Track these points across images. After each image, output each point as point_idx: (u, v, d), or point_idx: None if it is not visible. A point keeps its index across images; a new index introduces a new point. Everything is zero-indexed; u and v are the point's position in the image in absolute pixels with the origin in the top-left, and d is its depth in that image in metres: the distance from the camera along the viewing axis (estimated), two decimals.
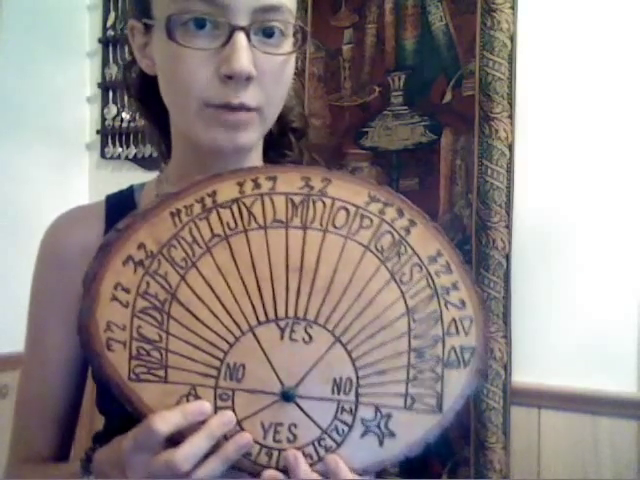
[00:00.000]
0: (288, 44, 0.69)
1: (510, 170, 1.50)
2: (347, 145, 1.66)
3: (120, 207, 0.79)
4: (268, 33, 0.68)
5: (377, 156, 1.64)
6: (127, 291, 0.57)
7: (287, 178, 0.60)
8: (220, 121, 0.67)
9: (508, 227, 1.49)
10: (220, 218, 0.59)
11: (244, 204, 0.59)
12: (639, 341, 1.41)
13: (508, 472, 1.48)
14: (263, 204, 0.59)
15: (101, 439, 0.80)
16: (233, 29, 0.65)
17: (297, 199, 0.60)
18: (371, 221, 0.61)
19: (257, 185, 0.60)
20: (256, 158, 0.77)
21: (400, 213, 0.62)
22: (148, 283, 0.58)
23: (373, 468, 0.60)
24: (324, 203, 0.60)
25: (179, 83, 0.68)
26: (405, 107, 1.61)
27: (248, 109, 0.67)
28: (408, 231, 0.62)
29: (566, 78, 1.48)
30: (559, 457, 1.45)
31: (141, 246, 0.58)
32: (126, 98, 1.97)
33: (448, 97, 1.56)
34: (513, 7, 1.49)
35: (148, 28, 0.71)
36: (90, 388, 0.78)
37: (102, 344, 0.57)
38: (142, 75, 0.75)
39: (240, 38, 0.65)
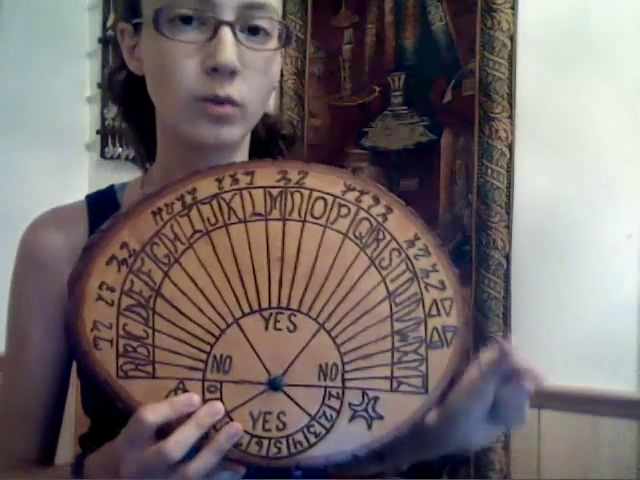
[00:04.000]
0: (273, 43, 0.71)
1: (510, 170, 1.50)
2: (347, 145, 1.66)
3: (103, 207, 0.79)
4: (254, 31, 0.69)
5: (377, 156, 1.64)
6: (112, 290, 0.58)
7: (264, 172, 0.62)
8: (205, 114, 0.68)
9: (508, 227, 1.49)
10: (200, 214, 0.60)
11: (223, 199, 0.60)
12: (639, 341, 1.41)
13: (508, 472, 1.48)
14: (242, 198, 0.61)
15: (87, 441, 0.80)
16: (219, 23, 0.66)
17: (275, 192, 0.61)
18: (348, 209, 0.62)
19: (235, 180, 0.61)
20: (241, 159, 0.76)
21: (376, 200, 0.63)
22: (132, 281, 0.59)
23: (363, 451, 0.61)
24: (302, 194, 0.62)
25: (166, 77, 0.69)
26: (405, 107, 1.61)
27: (234, 103, 0.68)
28: (385, 217, 0.63)
29: (566, 78, 1.48)
30: (559, 457, 1.45)
31: (124, 245, 0.59)
32: None
33: (448, 97, 1.56)
34: (513, 7, 1.49)
35: (137, 29, 0.72)
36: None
37: (89, 343, 0.57)
38: (127, 79, 0.76)
39: (226, 32, 0.66)
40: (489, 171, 1.51)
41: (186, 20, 0.67)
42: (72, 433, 0.83)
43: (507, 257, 1.49)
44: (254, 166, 0.62)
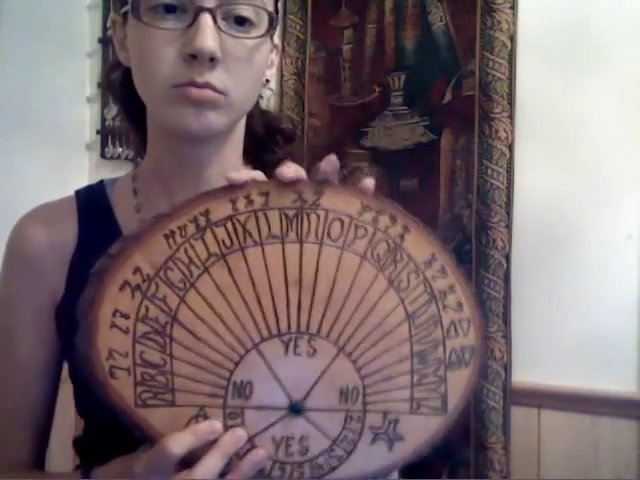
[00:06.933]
0: (259, 32, 0.69)
1: (510, 170, 1.50)
2: (347, 145, 1.66)
3: (93, 203, 0.78)
4: (239, 21, 0.67)
5: (377, 156, 1.64)
6: (126, 317, 0.57)
7: (279, 192, 0.60)
8: (185, 99, 0.66)
9: (508, 227, 1.49)
10: (215, 237, 0.58)
11: (238, 221, 0.59)
12: (639, 341, 1.41)
13: (508, 472, 1.48)
14: (257, 220, 0.59)
15: (82, 444, 0.80)
16: (199, 10, 0.65)
17: (291, 213, 0.60)
18: (365, 230, 0.61)
19: (250, 201, 0.59)
20: (233, 155, 0.75)
21: (393, 220, 0.62)
22: (147, 307, 0.57)
23: (384, 473, 0.61)
24: (318, 216, 0.60)
25: (146, 65, 0.68)
26: (405, 107, 1.61)
27: (214, 90, 0.66)
28: (402, 238, 0.62)
29: (566, 78, 1.48)
30: (559, 457, 1.45)
31: (137, 270, 0.57)
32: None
33: (448, 97, 1.56)
34: (513, 7, 1.49)
35: (125, 19, 0.71)
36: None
37: (105, 372, 0.56)
38: (125, 76, 0.75)
39: (205, 18, 0.65)
40: (489, 171, 1.51)
41: (169, 9, 0.66)
42: (70, 437, 0.83)
43: (507, 257, 1.49)
44: (269, 186, 0.60)
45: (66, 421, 0.87)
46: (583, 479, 1.41)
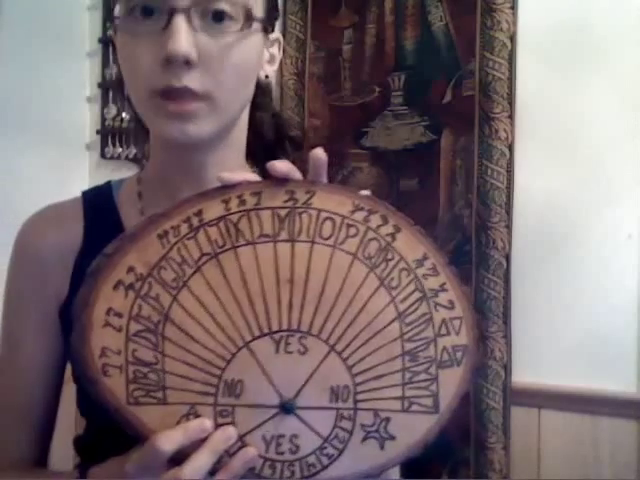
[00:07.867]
0: (238, 26, 0.66)
1: (510, 170, 1.50)
2: (347, 145, 1.66)
3: (99, 204, 0.78)
4: (218, 18, 0.65)
5: (377, 156, 1.64)
6: (120, 316, 0.57)
7: (271, 193, 0.60)
8: (166, 112, 0.65)
9: (508, 227, 1.49)
10: (208, 236, 0.59)
11: (231, 221, 0.59)
12: (639, 341, 1.41)
13: (508, 472, 1.48)
14: (250, 220, 0.59)
15: (83, 443, 0.80)
16: (172, 11, 0.63)
17: (283, 213, 0.60)
18: (357, 229, 0.61)
19: (242, 202, 0.59)
20: (234, 157, 0.75)
21: (384, 220, 0.62)
22: (140, 306, 0.57)
23: (375, 472, 0.61)
24: (310, 215, 0.60)
25: (127, 71, 0.67)
26: (405, 107, 1.61)
27: (194, 96, 0.65)
28: (394, 237, 0.62)
29: (566, 78, 1.48)
30: (559, 457, 1.45)
31: (130, 270, 0.58)
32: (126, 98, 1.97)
33: (448, 97, 1.56)
34: (513, 7, 1.50)
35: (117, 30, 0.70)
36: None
37: (98, 370, 0.56)
38: None
39: (178, 20, 0.63)
40: (489, 171, 1.51)
41: (146, 12, 0.64)
42: (72, 435, 0.83)
43: (507, 257, 1.49)
44: (261, 186, 0.60)
45: (68, 421, 0.87)
46: (583, 479, 1.41)
